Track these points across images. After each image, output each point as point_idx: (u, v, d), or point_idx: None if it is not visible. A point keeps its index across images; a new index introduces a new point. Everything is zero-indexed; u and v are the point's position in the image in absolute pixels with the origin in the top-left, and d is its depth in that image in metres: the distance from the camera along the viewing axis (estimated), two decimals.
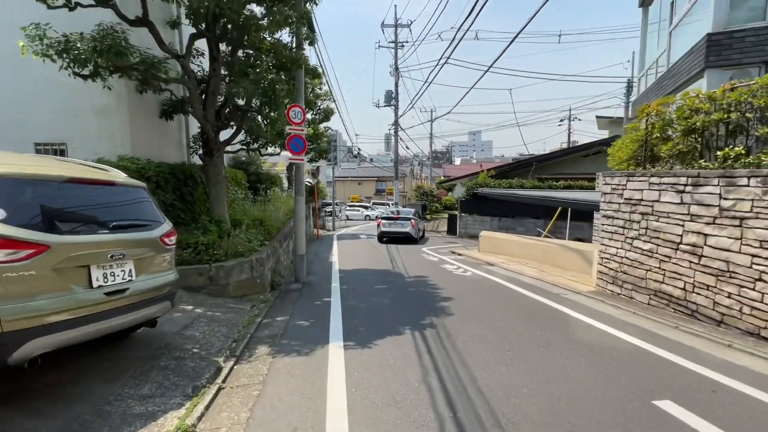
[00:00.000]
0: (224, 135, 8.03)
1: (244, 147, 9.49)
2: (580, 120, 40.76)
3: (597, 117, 26.51)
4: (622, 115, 25.38)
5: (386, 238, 16.17)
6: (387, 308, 6.09)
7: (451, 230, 20.75)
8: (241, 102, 7.28)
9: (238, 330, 4.88)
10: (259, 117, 8.29)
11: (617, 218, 6.62)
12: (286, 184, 20.03)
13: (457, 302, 6.42)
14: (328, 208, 28.88)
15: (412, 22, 23.86)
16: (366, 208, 41.04)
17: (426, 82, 13.90)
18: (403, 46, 21.65)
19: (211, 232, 6.61)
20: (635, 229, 6.19)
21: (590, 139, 25.37)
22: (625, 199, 6.42)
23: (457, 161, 62.20)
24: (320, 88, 19.38)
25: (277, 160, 21.97)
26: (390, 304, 6.32)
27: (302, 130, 7.83)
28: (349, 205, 38.51)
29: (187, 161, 9.21)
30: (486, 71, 13.80)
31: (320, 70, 15.76)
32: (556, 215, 14.56)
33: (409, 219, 16.17)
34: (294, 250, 8.28)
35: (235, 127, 8.14)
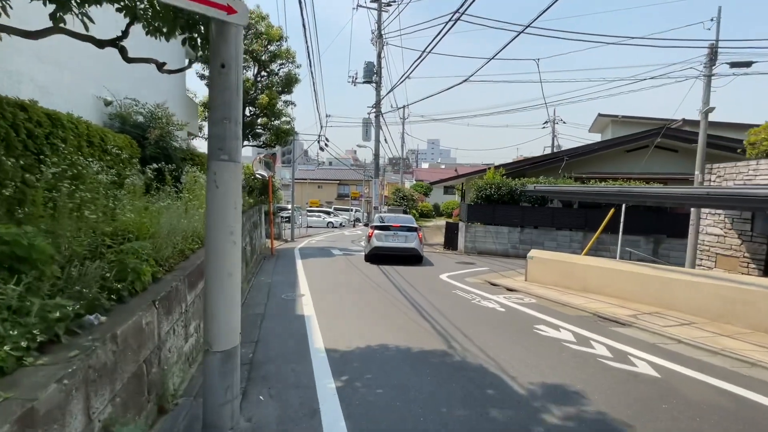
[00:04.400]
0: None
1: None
2: (564, 123, 37.88)
3: (600, 115, 23.15)
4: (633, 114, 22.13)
5: (381, 255, 10.90)
6: None
7: (450, 244, 15.91)
8: None
9: None
10: None
11: None
12: None
13: None
14: (283, 214, 23.08)
15: None
16: (328, 213, 35.45)
17: (425, 51, 8.73)
18: (389, 4, 16.68)
19: None
20: None
21: (575, 145, 21.55)
22: None
23: (424, 165, 58.31)
24: (279, 44, 13.87)
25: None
26: None
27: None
28: (309, 211, 32.68)
29: None
30: (525, 28, 8.98)
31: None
32: (603, 225, 10.15)
33: (415, 230, 11.08)
34: (206, 336, 2.59)
35: None
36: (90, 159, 4.21)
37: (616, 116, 22.51)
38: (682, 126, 17.18)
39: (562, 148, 30.15)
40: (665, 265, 8.23)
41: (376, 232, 10.88)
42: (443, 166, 54.27)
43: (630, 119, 21.46)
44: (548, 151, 35.55)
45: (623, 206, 10.08)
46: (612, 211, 10.06)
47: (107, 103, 7.11)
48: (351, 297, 6.89)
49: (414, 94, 66.54)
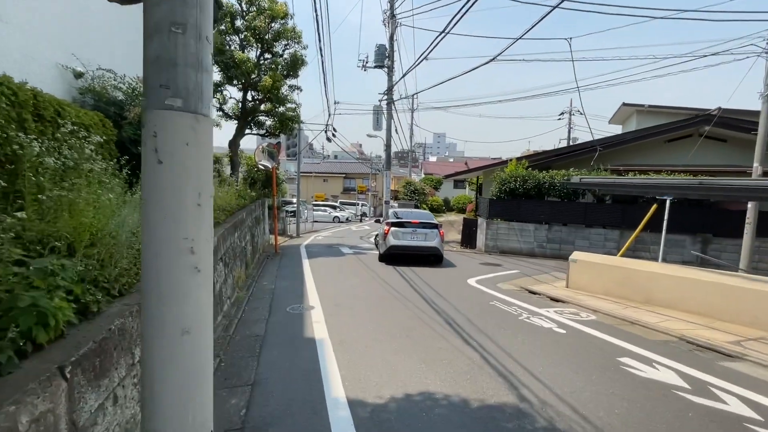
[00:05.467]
0: None
1: None
2: (582, 114, 36.29)
3: (624, 104, 21.67)
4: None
5: (397, 255, 9.73)
6: None
7: (468, 241, 14.68)
8: None
9: None
10: None
11: None
12: (228, 169, 12.98)
13: None
14: (288, 208, 21.98)
15: None
16: (334, 208, 34.29)
17: (443, 32, 7.30)
18: None
19: None
20: None
21: (590, 137, 19.70)
22: None
23: (432, 158, 56.83)
24: (284, 22, 12.61)
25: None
26: None
27: None
28: (315, 205, 31.51)
29: None
30: (561, 1, 7.54)
31: None
32: (644, 221, 8.86)
33: (436, 227, 9.85)
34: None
35: None
36: (34, 137, 3.04)
37: (642, 105, 21.02)
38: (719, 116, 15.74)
39: (578, 141, 28.70)
40: (749, 274, 6.94)
41: (392, 229, 9.66)
42: (451, 160, 52.86)
43: (657, 109, 19.99)
44: (563, 144, 34.08)
45: (667, 201, 8.79)
46: (654, 207, 8.77)
47: (78, 75, 5.91)
48: (370, 311, 5.70)
49: (424, 82, 64.62)
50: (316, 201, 34.61)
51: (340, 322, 5.09)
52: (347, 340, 4.40)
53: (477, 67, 10.28)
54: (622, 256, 8.69)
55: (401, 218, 10.04)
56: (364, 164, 43.62)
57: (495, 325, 5.09)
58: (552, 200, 12.77)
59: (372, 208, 41.58)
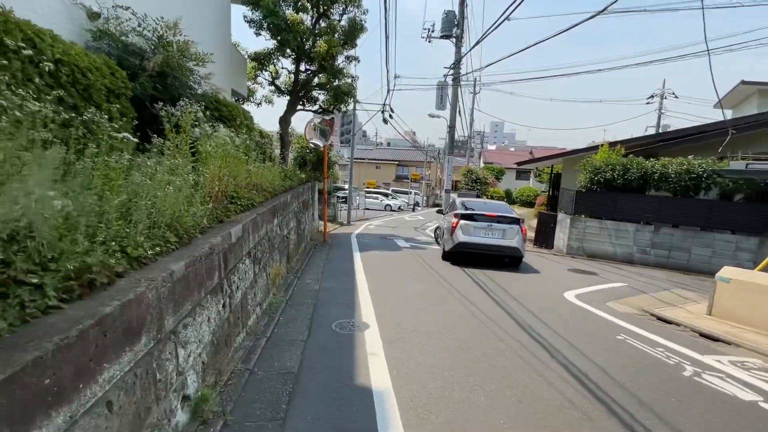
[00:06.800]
0: None
1: None
2: (676, 97, 31.54)
3: (743, 83, 17.79)
4: None
5: (465, 254, 8.03)
6: None
7: (544, 240, 12.50)
8: None
9: None
10: None
11: None
12: (276, 150, 11.84)
13: None
14: (339, 194, 20.84)
15: None
16: (386, 195, 32.89)
17: None
18: None
19: None
20: None
21: (688, 124, 15.89)
22: None
23: (491, 147, 53.34)
24: None
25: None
26: None
27: None
28: (367, 192, 30.31)
29: None
30: None
31: None
32: None
33: (516, 222, 7.95)
34: None
35: None
36: None
37: (766, 83, 17.21)
38: None
39: (671, 128, 24.48)
40: None
41: (462, 222, 7.89)
42: (512, 149, 49.25)
43: None
44: (651, 131, 29.70)
45: None
46: None
47: (94, 16, 4.77)
48: (447, 340, 4.07)
49: (485, 63, 59.55)
50: (367, 188, 33.42)
51: (406, 357, 3.52)
52: (422, 400, 2.83)
53: (576, 25, 8.05)
54: (762, 270, 6.28)
55: (473, 210, 8.24)
56: (420, 151, 41.65)
57: (655, 388, 3.24)
58: (660, 195, 10.24)
59: (425, 198, 39.67)
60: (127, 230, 2.16)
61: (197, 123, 3.66)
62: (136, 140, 2.86)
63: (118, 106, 3.98)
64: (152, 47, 5.03)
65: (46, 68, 2.90)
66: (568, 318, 5.04)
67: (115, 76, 4.07)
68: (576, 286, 6.92)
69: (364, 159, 44.54)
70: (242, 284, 3.57)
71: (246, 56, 11.75)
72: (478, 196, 19.27)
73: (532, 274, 7.86)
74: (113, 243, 1.93)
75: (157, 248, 2.24)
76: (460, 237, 7.85)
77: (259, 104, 13.70)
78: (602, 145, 12.29)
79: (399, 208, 31.18)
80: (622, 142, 12.63)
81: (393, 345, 3.76)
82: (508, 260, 8.37)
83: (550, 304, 5.61)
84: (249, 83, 12.59)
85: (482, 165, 34.63)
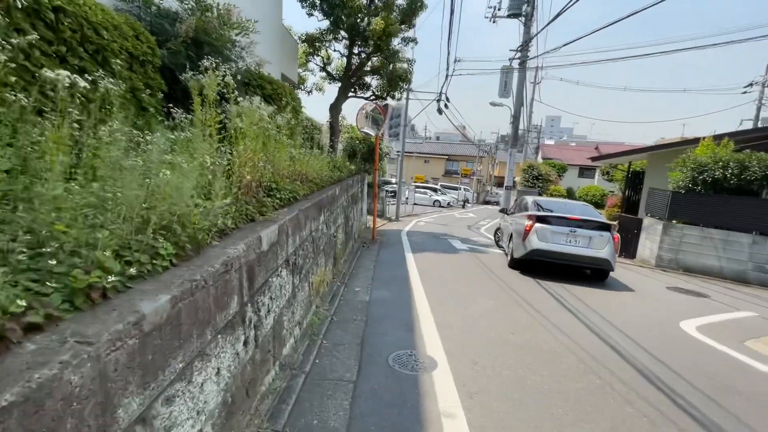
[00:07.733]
0: None
1: None
2: None
3: None
4: None
5: (539, 263, 6.77)
6: None
7: (624, 247, 10.71)
8: None
9: None
10: None
11: None
12: (325, 140, 11.10)
13: None
14: (387, 188, 19.91)
15: None
16: (435, 191, 31.50)
17: None
18: None
19: None
20: None
21: None
22: None
23: (549, 142, 49.90)
24: None
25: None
26: None
27: None
28: (417, 186, 29.14)
29: None
30: None
31: None
32: None
33: (607, 228, 6.55)
34: None
35: None
36: None
37: None
38: None
39: None
40: None
41: (537, 226, 6.61)
42: (573, 144, 45.70)
43: None
44: (747, 125, 25.80)
45: None
46: None
47: None
48: (553, 398, 2.96)
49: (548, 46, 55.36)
50: (416, 183, 32.24)
51: (498, 427, 2.47)
52: None
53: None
54: None
55: (551, 211, 6.91)
56: (473, 145, 39.74)
57: None
58: None
59: (475, 194, 37.77)
60: (91, 241, 1.31)
61: (225, 91, 2.81)
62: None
63: (141, 75, 3.25)
64: (189, 11, 4.31)
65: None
66: (705, 365, 3.71)
67: (140, 39, 3.33)
68: (691, 314, 5.44)
69: (412, 153, 43.30)
70: (275, 304, 2.69)
71: (297, 39, 11.10)
72: (539, 194, 17.51)
73: (624, 292, 6.42)
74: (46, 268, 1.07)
75: (132, 269, 1.37)
76: (535, 243, 6.58)
77: (309, 92, 13.10)
78: (704, 138, 10.29)
79: (448, 204, 29.73)
80: (731, 134, 10.51)
81: (475, 400, 2.72)
82: (590, 272, 6.99)
83: (670, 343, 4.27)
84: (300, 71, 11.99)
85: (540, 161, 32.21)
